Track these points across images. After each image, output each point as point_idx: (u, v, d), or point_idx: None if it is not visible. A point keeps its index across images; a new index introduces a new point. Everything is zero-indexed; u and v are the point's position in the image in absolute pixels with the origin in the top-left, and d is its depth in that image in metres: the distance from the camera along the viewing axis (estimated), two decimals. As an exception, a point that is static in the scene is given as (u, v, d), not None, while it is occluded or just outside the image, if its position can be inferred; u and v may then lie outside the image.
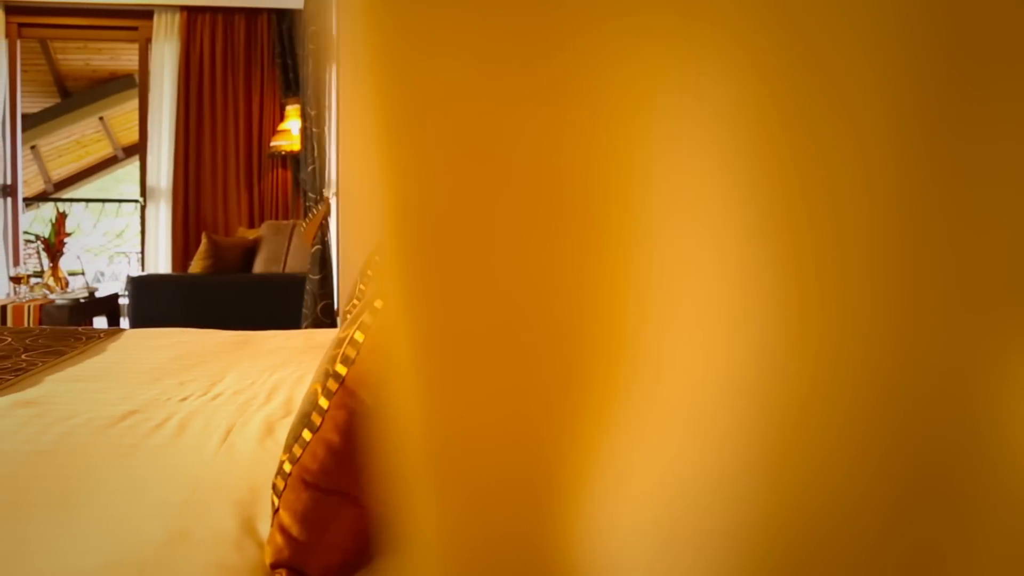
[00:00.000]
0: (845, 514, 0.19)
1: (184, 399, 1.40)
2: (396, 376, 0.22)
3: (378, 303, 0.78)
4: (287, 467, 0.75)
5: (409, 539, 0.23)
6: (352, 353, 0.75)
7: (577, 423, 0.21)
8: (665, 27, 0.18)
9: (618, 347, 0.20)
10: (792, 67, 0.18)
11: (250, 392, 1.46)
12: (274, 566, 0.73)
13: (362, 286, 1.76)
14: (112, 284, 6.27)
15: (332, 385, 0.75)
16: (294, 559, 0.72)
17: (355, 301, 1.75)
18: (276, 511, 0.75)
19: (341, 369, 0.75)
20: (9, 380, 1.49)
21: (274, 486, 0.77)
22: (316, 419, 0.75)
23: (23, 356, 1.73)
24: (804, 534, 0.19)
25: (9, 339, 1.95)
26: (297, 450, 0.75)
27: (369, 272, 1.74)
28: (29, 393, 1.41)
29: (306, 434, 0.75)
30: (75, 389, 1.45)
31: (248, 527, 0.84)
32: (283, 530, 0.73)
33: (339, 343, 0.79)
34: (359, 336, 0.76)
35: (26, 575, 0.74)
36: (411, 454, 0.22)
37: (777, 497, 0.19)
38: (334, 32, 2.80)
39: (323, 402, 0.75)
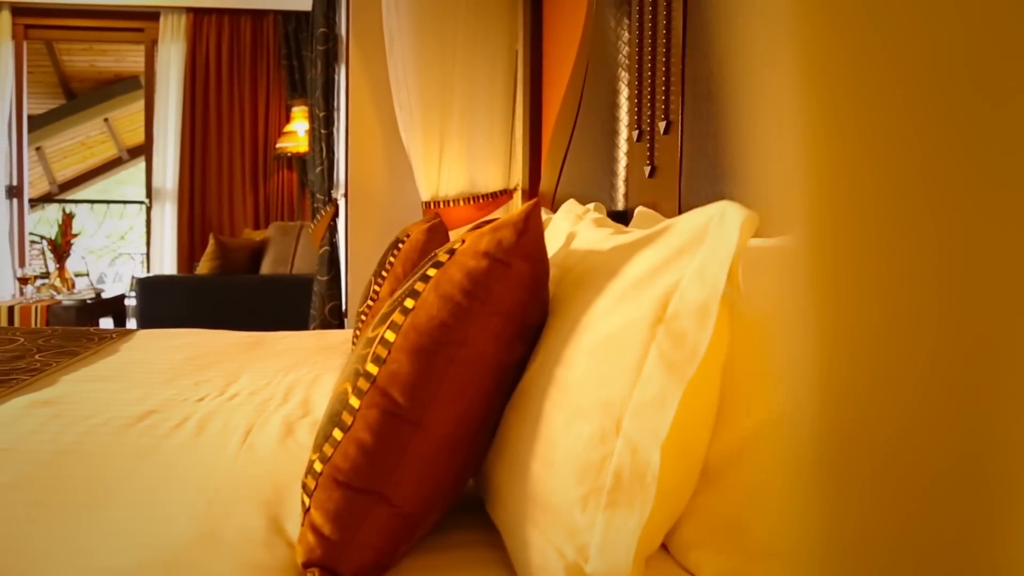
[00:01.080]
0: None
1: (201, 399, 1.39)
2: (805, 372, 0.21)
3: (409, 302, 0.77)
4: (318, 466, 0.75)
5: (819, 543, 0.21)
6: (383, 353, 0.75)
7: None
8: None
9: None
10: None
11: (266, 392, 1.46)
12: (306, 565, 0.73)
13: (376, 287, 1.76)
14: (115, 285, 6.27)
15: (363, 384, 0.75)
16: (326, 558, 0.72)
17: (369, 302, 1.75)
18: (307, 510, 0.75)
19: (372, 368, 0.75)
20: (25, 380, 1.49)
21: (304, 485, 0.77)
22: (347, 418, 0.75)
23: (36, 356, 1.73)
24: None
25: (22, 339, 1.95)
26: (328, 449, 0.75)
27: (384, 273, 1.74)
28: (46, 393, 1.41)
29: (337, 433, 0.75)
30: (91, 389, 1.45)
31: (276, 526, 0.84)
32: (315, 529, 0.73)
33: (369, 343, 0.79)
34: (390, 336, 0.76)
35: (59, 574, 0.73)
36: (820, 449, 0.21)
37: None
38: (343, 33, 2.80)
39: (354, 401, 0.75)
